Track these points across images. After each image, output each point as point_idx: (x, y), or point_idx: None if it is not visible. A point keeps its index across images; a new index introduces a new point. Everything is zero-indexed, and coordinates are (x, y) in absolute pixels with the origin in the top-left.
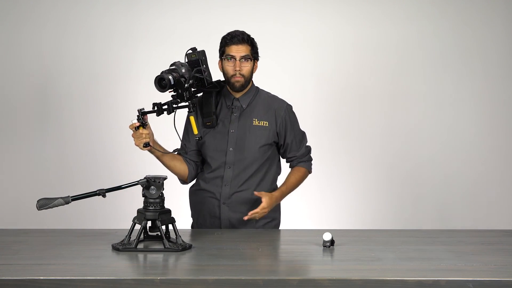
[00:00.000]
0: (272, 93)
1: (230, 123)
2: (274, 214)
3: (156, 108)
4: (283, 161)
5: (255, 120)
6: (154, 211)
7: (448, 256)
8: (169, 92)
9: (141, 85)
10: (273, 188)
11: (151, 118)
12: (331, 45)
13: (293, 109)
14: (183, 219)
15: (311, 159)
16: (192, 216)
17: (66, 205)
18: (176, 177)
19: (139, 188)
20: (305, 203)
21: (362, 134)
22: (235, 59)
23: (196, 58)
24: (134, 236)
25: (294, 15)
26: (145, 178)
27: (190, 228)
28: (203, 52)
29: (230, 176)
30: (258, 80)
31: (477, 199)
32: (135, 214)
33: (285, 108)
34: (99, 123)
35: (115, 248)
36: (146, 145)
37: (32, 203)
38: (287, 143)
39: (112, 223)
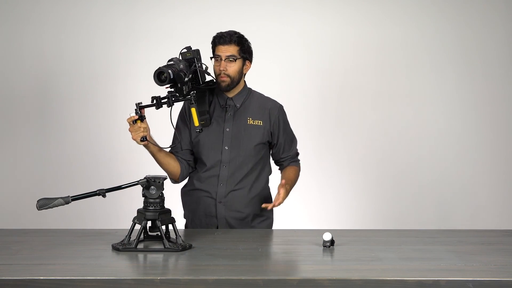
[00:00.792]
0: (270, 92)
1: (225, 122)
2: (268, 213)
3: (155, 102)
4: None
5: (249, 119)
6: (154, 211)
7: (448, 256)
8: (166, 88)
9: (141, 85)
10: (267, 187)
11: (147, 115)
12: (331, 45)
13: (293, 109)
14: (183, 219)
15: (299, 160)
16: (186, 216)
17: (66, 205)
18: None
19: (139, 188)
20: (305, 203)
21: (362, 134)
22: (221, 59)
23: (191, 57)
24: (134, 236)
25: (294, 15)
26: (145, 178)
27: (190, 228)
28: (197, 51)
29: (226, 175)
30: (256, 80)
31: (477, 199)
32: (135, 214)
33: (278, 108)
34: (99, 123)
35: (115, 248)
36: (143, 139)
37: (32, 203)
38: (280, 142)
39: (112, 223)
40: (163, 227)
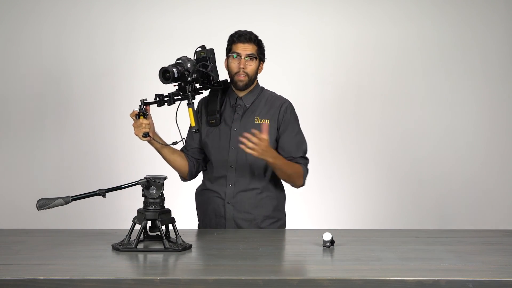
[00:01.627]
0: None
1: (232, 121)
2: (279, 214)
3: (157, 99)
4: None
5: (257, 119)
6: (154, 211)
7: (448, 256)
8: (174, 85)
9: (141, 84)
10: (280, 188)
11: (155, 112)
12: (332, 45)
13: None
14: (183, 219)
15: (308, 170)
16: (199, 217)
17: (66, 205)
18: (177, 176)
19: (139, 188)
20: (305, 203)
21: (362, 134)
22: (241, 56)
23: (205, 56)
24: (134, 236)
25: (294, 15)
26: (145, 178)
27: (194, 228)
28: (211, 50)
29: (233, 175)
30: (259, 80)
31: (477, 199)
32: (135, 214)
33: (286, 105)
34: (99, 123)
35: (115, 248)
36: (145, 135)
37: (32, 203)
38: (286, 140)
39: (112, 223)
40: (163, 227)
